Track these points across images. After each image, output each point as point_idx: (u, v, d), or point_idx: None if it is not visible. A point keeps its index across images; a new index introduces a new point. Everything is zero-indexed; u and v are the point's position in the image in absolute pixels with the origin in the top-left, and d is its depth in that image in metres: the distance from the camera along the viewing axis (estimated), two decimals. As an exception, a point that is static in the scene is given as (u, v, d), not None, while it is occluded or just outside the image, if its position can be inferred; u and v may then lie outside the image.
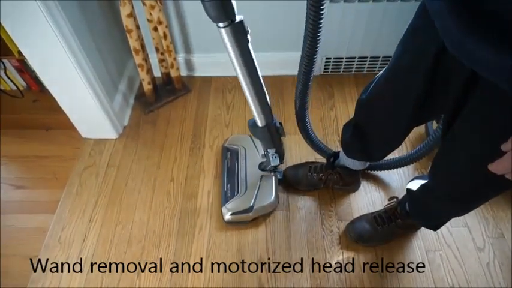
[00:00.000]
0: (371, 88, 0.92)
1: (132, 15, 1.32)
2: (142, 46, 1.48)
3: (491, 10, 0.45)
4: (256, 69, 0.91)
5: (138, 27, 1.41)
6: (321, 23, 0.78)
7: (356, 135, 1.06)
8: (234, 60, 0.86)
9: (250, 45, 0.84)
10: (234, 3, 0.75)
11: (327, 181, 1.31)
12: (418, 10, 0.72)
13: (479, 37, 0.49)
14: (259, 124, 1.07)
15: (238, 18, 0.78)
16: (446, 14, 0.52)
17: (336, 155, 1.28)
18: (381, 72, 0.90)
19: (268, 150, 1.20)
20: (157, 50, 1.56)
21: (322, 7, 0.73)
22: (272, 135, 1.12)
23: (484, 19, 0.47)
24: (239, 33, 0.80)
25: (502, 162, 0.59)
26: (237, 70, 0.89)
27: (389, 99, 0.87)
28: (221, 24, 0.77)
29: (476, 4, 0.46)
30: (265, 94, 0.99)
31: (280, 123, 1.11)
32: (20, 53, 1.28)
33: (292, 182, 1.36)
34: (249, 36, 0.83)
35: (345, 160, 1.23)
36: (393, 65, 0.82)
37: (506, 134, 0.60)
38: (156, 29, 1.45)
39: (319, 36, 0.81)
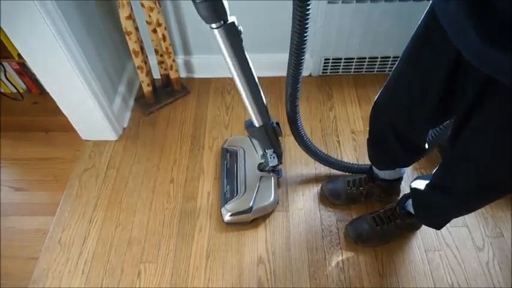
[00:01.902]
0: (381, 94, 0.94)
1: (131, 17, 1.33)
2: (142, 48, 1.49)
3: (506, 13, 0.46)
4: (250, 70, 0.92)
5: (137, 29, 1.42)
6: (307, 23, 0.78)
7: (378, 149, 1.08)
8: (228, 61, 0.87)
9: (243, 45, 0.85)
10: (226, 4, 0.76)
11: (368, 194, 1.28)
12: (426, 18, 0.72)
13: (497, 42, 0.49)
14: (256, 124, 1.08)
15: (230, 19, 0.79)
16: (462, 16, 0.52)
17: (372, 167, 1.26)
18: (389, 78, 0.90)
19: (267, 150, 1.21)
20: (156, 52, 1.57)
21: (308, 7, 0.74)
22: (269, 135, 1.13)
23: (500, 23, 0.47)
24: (232, 33, 0.81)
25: None
26: (232, 70, 0.90)
27: (404, 103, 0.87)
28: (214, 25, 0.79)
29: (491, 8, 0.47)
30: (260, 94, 0.99)
31: (277, 123, 1.12)
32: (19, 55, 1.29)
33: (330, 196, 1.32)
34: (242, 37, 0.83)
35: (379, 173, 1.22)
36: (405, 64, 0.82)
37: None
38: (155, 31, 1.46)
39: (305, 36, 0.82)
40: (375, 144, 1.09)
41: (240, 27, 0.82)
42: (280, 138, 1.19)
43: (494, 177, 0.77)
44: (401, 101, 0.88)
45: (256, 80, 0.96)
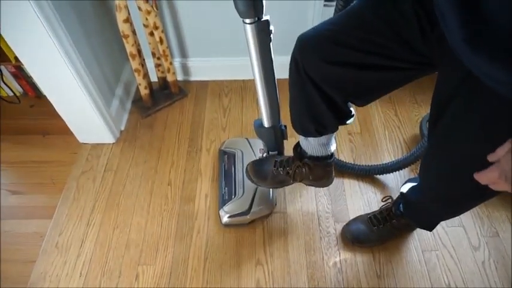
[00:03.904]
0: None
1: (128, 20, 1.34)
2: (139, 51, 1.49)
3: (493, 19, 0.45)
4: (273, 70, 0.92)
5: (134, 32, 1.42)
6: None
7: (298, 99, 0.91)
8: (253, 58, 0.87)
9: (271, 45, 0.86)
10: (264, 2, 0.77)
11: (295, 175, 1.15)
12: None
13: (479, 47, 0.48)
14: (266, 125, 1.08)
15: (265, 17, 0.80)
16: (449, 14, 0.51)
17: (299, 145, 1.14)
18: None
19: (270, 152, 1.21)
20: (153, 54, 1.57)
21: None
22: (277, 137, 1.13)
23: (486, 28, 0.47)
24: (263, 31, 0.82)
25: (487, 173, 0.59)
26: (255, 68, 0.90)
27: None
28: (247, 20, 0.79)
29: (479, 11, 0.46)
30: (277, 95, 1.00)
31: (285, 126, 1.12)
32: (16, 58, 1.29)
33: (256, 179, 1.22)
34: (271, 36, 0.84)
35: (305, 146, 1.09)
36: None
37: (494, 136, 0.60)
38: (152, 34, 1.46)
39: None
40: (297, 95, 0.90)
41: (272, 28, 0.83)
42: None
43: (464, 181, 0.73)
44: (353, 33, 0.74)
45: (276, 81, 0.96)
